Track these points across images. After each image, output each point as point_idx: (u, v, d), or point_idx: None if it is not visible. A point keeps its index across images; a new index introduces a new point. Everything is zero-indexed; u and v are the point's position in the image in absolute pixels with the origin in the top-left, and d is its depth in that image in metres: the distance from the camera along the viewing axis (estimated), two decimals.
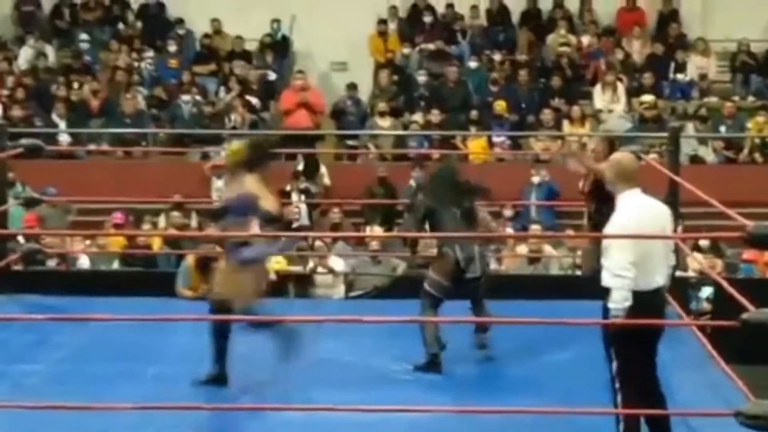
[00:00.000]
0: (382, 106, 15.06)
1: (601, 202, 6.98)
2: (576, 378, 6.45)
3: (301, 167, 13.94)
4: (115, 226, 12.43)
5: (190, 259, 8.44)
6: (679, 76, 15.98)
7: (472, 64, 16.09)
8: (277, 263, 10.04)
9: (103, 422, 5.64)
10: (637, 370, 5.23)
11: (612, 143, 7.78)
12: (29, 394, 5.99)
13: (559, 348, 6.85)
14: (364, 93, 15.92)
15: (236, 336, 6.29)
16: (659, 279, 5.30)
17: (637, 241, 5.14)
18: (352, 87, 15.61)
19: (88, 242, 12.10)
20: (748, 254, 11.40)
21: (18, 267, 8.72)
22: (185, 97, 15.39)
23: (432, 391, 6.32)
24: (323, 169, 14.10)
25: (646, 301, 5.20)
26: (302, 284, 10.90)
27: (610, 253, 5.17)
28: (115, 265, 11.47)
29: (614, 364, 5.23)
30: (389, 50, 16.31)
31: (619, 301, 5.13)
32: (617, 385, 5.22)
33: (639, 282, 5.16)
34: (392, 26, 16.71)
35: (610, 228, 5.33)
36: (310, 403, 5.84)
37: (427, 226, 7.10)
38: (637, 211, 5.28)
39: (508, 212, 13.15)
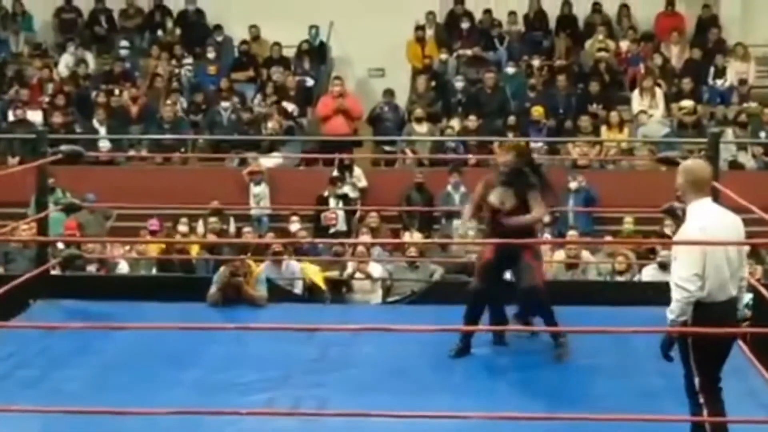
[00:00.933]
0: (419, 111, 15.07)
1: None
2: (613, 385, 6.42)
3: (337, 173, 13.98)
4: (150, 233, 12.52)
5: (223, 269, 8.48)
6: (719, 82, 15.88)
7: (510, 69, 16.07)
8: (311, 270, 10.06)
9: (143, 428, 5.68)
10: (717, 382, 5.21)
11: (523, 153, 7.59)
12: (69, 400, 6.03)
13: (595, 354, 6.82)
14: (402, 99, 15.94)
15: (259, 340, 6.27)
16: (732, 290, 5.21)
17: (708, 252, 5.04)
18: (390, 93, 15.63)
19: (127, 248, 12.21)
20: None
21: (58, 272, 8.80)
22: (224, 104, 15.47)
23: (466, 397, 6.30)
24: (360, 174, 14.11)
25: (720, 312, 5.14)
26: (338, 289, 10.94)
27: (677, 263, 5.10)
28: (154, 270, 11.56)
29: (697, 379, 5.16)
30: (427, 56, 16.33)
31: (677, 313, 5.07)
32: (702, 399, 5.16)
33: (714, 293, 5.10)
34: (430, 32, 16.72)
35: (680, 237, 5.26)
36: (346, 409, 5.85)
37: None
38: (708, 220, 5.16)
39: (545, 218, 13.10)
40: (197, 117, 15.64)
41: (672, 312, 5.10)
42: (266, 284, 8.39)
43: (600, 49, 16.08)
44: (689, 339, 5.14)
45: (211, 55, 16.67)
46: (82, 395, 6.09)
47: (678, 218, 8.58)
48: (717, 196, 7.74)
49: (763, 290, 6.41)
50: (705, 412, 5.16)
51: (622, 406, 5.78)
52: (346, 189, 13.93)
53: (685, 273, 5.05)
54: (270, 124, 15.03)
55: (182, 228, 12.90)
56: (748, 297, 10.25)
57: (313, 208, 13.43)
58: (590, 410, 5.74)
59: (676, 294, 5.07)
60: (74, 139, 11.71)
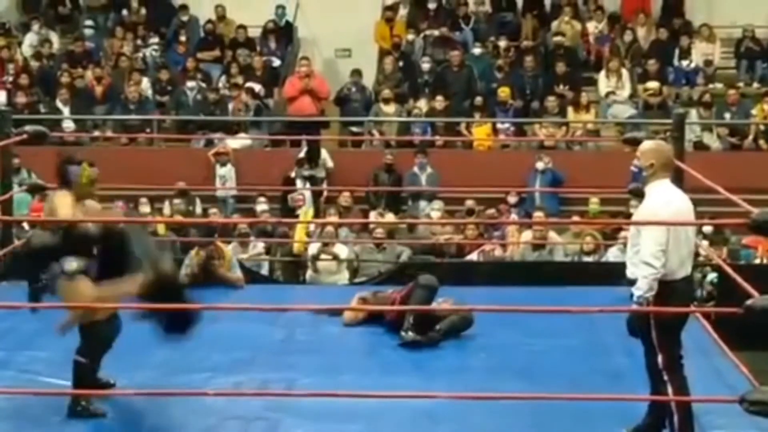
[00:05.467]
0: (386, 92, 15.05)
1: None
2: (580, 365, 6.46)
3: (304, 154, 13.94)
4: None
5: (193, 253, 8.45)
6: (684, 63, 15.95)
7: (477, 50, 16.07)
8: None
9: (109, 408, 5.67)
10: (680, 359, 5.25)
11: None
12: (36, 381, 6.01)
13: (563, 335, 6.86)
14: (369, 80, 15.90)
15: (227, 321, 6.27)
16: (689, 268, 5.33)
17: (672, 230, 5.14)
18: (357, 73, 15.60)
19: None
20: (748, 240, 11.42)
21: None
22: (190, 84, 15.38)
23: (433, 377, 6.33)
24: (326, 155, 14.09)
25: (682, 289, 5.25)
26: (292, 270, 10.96)
27: (643, 240, 5.18)
28: None
29: (660, 357, 5.21)
30: (395, 36, 16.31)
31: (645, 289, 5.14)
32: (666, 377, 5.20)
33: (675, 270, 5.19)
34: (402, 12, 16.71)
35: (640, 215, 5.34)
36: (314, 389, 5.86)
37: None
38: (669, 199, 5.28)
39: (512, 199, 13.16)
40: (163, 97, 15.55)
41: (639, 289, 5.16)
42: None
43: (566, 31, 16.12)
44: (651, 318, 5.18)
45: (176, 35, 16.56)
46: (48, 376, 6.06)
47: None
48: (682, 177, 7.82)
49: (728, 269, 6.46)
50: (669, 389, 5.19)
51: (589, 386, 5.82)
52: (315, 170, 13.90)
53: (652, 248, 5.13)
54: (233, 105, 14.96)
55: (144, 209, 12.80)
56: (712, 276, 10.41)
57: (279, 189, 13.40)
58: (558, 390, 5.78)
59: (642, 271, 5.14)
60: (38, 120, 11.58)
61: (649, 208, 5.29)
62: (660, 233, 5.12)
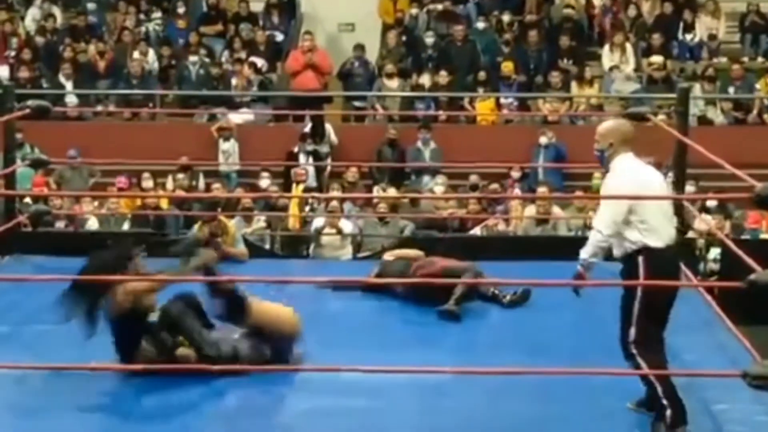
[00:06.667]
0: (389, 67, 15.02)
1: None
2: (584, 339, 6.47)
3: (308, 129, 13.92)
4: (119, 190, 12.45)
5: (197, 228, 8.45)
6: (688, 37, 15.90)
7: (480, 24, 16.02)
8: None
9: (115, 382, 5.69)
10: (656, 341, 5.22)
11: None
12: (41, 355, 6.02)
13: (566, 309, 6.86)
14: (372, 54, 15.87)
15: None
16: (671, 233, 5.29)
17: (639, 202, 5.15)
18: (360, 48, 15.56)
19: (96, 203, 12.14)
20: (751, 220, 11.38)
21: (26, 228, 8.74)
22: (192, 58, 15.35)
23: (439, 352, 6.34)
24: (330, 130, 14.08)
25: (670, 258, 5.22)
26: (292, 245, 10.96)
27: (601, 208, 5.24)
28: (126, 226, 11.51)
29: (633, 329, 5.17)
30: (399, 10, 16.25)
31: (591, 252, 5.21)
32: (635, 350, 5.17)
33: (660, 234, 5.17)
34: None
35: (604, 188, 5.36)
36: (318, 364, 5.88)
37: None
38: (633, 170, 5.29)
39: (515, 174, 13.15)
40: (165, 72, 15.51)
41: (585, 252, 5.24)
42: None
43: (567, 6, 16.06)
44: (639, 289, 5.18)
45: (179, 9, 16.52)
46: (53, 350, 6.08)
47: None
48: (686, 152, 7.81)
49: (730, 244, 6.46)
50: (642, 363, 5.16)
51: (594, 360, 5.82)
52: (318, 145, 13.89)
53: (605, 218, 5.18)
54: (236, 81, 14.94)
55: (146, 183, 12.80)
56: (715, 252, 10.40)
57: (282, 164, 13.39)
58: (563, 364, 5.78)
59: (591, 236, 5.23)
60: (41, 94, 11.58)
61: (613, 180, 5.30)
62: (620, 207, 5.14)
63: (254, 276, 6.91)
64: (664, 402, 5.09)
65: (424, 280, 7.14)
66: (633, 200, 5.13)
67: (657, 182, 5.39)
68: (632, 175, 5.26)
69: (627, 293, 5.24)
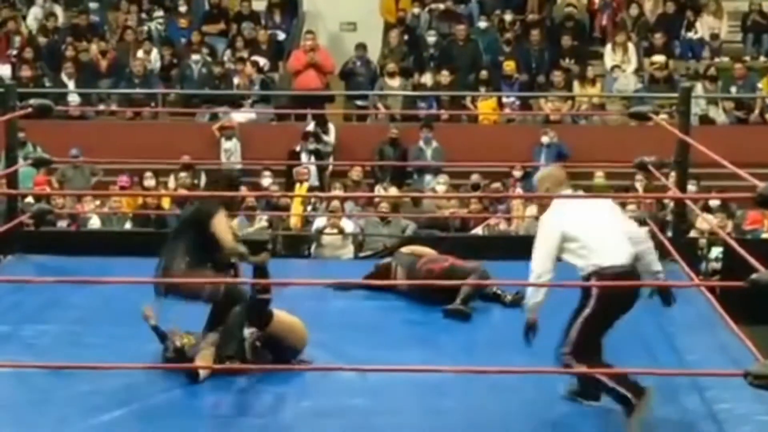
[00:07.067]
0: (391, 66, 15.01)
1: None
2: None
3: (310, 128, 13.92)
4: (121, 189, 12.46)
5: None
6: (690, 36, 15.89)
7: (482, 24, 16.02)
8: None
9: (114, 382, 5.69)
10: (590, 349, 5.25)
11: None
12: (42, 355, 6.02)
13: (567, 309, 6.86)
14: (374, 53, 15.87)
15: None
16: (625, 257, 5.29)
17: (578, 225, 5.29)
18: (362, 47, 15.56)
19: (98, 202, 12.15)
20: (750, 220, 11.35)
21: (29, 227, 8.75)
22: (194, 57, 15.35)
23: (439, 352, 6.34)
24: (332, 129, 14.07)
25: (619, 278, 5.21)
26: (293, 245, 10.95)
27: (534, 251, 5.34)
28: (128, 226, 11.51)
29: (568, 342, 5.25)
30: (401, 9, 16.25)
31: (528, 295, 5.40)
32: (565, 351, 5.24)
33: (608, 259, 5.22)
34: None
35: (540, 226, 5.47)
36: (319, 363, 5.88)
37: None
38: (561, 205, 5.45)
39: (517, 173, 13.15)
40: (168, 71, 15.51)
41: (528, 297, 5.40)
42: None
43: (569, 4, 16.06)
44: (592, 301, 5.20)
45: (181, 8, 16.52)
46: (54, 350, 6.08)
47: (649, 172, 8.63)
48: (688, 152, 7.80)
49: (733, 243, 6.45)
50: (575, 367, 5.20)
51: None
52: (320, 144, 13.89)
53: (541, 253, 5.30)
54: (238, 80, 14.93)
55: (148, 182, 12.80)
56: (717, 251, 10.40)
57: (284, 163, 13.39)
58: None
59: (530, 279, 5.32)
60: (43, 93, 11.58)
61: (544, 216, 5.51)
62: (550, 245, 5.28)
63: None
64: (615, 394, 5.13)
65: (429, 282, 7.13)
66: (563, 230, 5.26)
67: (595, 208, 5.50)
68: (559, 208, 5.43)
69: (582, 299, 5.30)
